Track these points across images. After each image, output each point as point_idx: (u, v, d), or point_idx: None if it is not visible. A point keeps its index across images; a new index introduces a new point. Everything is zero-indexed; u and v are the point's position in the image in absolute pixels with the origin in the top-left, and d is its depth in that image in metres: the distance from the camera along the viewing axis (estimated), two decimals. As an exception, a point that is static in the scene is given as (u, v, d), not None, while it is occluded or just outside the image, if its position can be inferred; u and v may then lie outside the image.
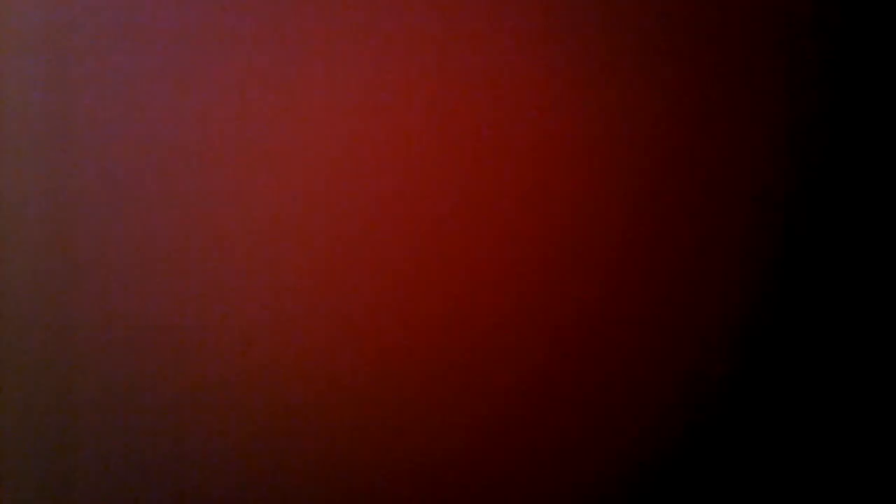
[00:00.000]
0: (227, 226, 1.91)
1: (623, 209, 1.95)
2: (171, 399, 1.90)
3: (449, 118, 1.94)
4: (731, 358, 1.93)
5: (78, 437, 1.90)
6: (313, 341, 1.92)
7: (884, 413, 1.95)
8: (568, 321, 1.92)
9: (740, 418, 1.94)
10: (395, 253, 1.93)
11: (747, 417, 1.94)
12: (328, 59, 1.93)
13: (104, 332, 1.91)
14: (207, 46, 1.91)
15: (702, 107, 1.95)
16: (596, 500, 1.90)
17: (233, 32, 1.92)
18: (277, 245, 1.91)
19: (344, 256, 1.92)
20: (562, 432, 1.91)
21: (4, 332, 1.90)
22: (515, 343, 1.93)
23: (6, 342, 1.89)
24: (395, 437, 1.91)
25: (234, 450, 1.89)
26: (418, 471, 1.91)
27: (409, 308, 1.92)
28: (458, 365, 1.92)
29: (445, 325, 1.93)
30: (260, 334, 1.92)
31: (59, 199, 1.91)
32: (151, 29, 1.90)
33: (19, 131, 1.92)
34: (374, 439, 1.91)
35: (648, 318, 1.92)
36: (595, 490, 1.91)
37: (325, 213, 1.92)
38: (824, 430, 1.94)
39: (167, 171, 1.91)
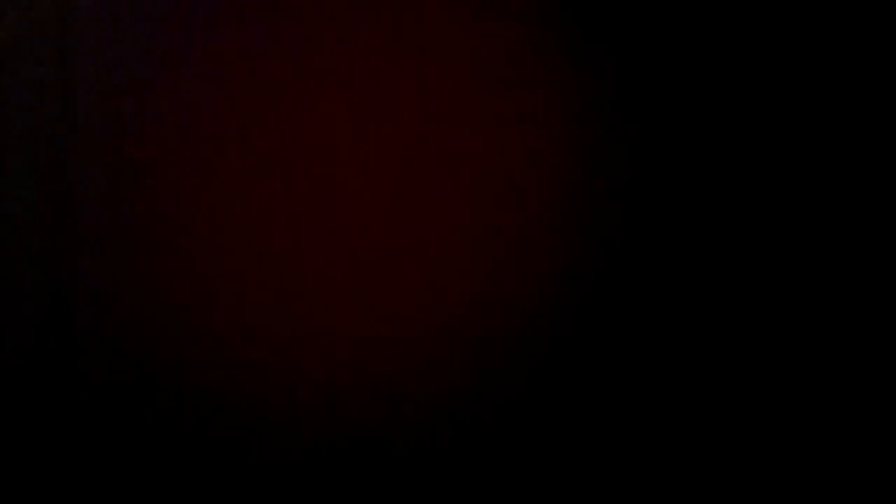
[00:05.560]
0: (227, 222, 1.94)
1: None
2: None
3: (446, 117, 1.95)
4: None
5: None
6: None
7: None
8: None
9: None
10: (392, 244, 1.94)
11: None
12: (328, 58, 1.94)
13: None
14: (211, 50, 1.90)
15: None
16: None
17: (235, 37, 1.91)
18: (276, 240, 1.93)
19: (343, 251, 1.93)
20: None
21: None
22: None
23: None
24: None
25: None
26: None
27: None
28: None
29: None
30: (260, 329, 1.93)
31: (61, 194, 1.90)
32: (157, 26, 1.89)
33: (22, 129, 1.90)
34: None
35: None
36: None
37: (323, 210, 1.94)
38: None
39: (168, 170, 1.93)
